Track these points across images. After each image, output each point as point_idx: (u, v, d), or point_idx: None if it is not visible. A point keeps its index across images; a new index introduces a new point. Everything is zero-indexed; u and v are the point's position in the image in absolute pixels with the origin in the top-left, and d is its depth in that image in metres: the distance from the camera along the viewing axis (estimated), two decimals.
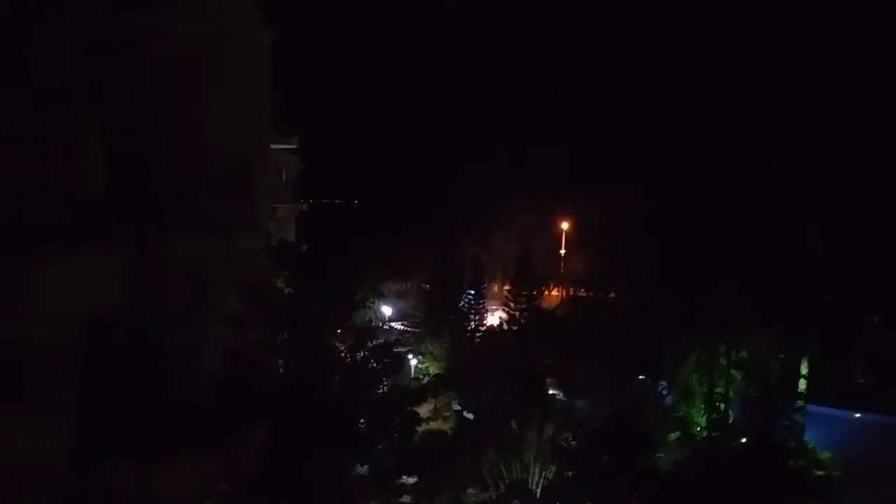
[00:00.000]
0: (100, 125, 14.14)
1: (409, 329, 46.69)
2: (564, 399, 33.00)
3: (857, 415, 38.23)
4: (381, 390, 16.76)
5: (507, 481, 24.13)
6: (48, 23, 12.59)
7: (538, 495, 22.67)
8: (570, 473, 21.27)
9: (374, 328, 18.00)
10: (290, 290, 16.99)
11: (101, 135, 14.18)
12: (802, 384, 33.46)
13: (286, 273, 17.18)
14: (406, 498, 16.41)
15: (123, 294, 11.83)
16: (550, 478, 23.49)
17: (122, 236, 13.23)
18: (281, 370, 16.65)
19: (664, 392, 34.82)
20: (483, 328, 44.72)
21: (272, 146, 28.38)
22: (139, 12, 15.50)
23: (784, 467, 21.99)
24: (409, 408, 16.49)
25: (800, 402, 32.01)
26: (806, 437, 31.70)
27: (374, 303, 19.42)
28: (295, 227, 36.53)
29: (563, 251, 62.69)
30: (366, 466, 16.14)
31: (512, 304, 43.58)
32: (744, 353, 34.07)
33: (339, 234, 18.27)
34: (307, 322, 16.16)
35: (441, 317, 43.46)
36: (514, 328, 41.70)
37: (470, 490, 22.83)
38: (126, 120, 15.15)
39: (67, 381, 10.81)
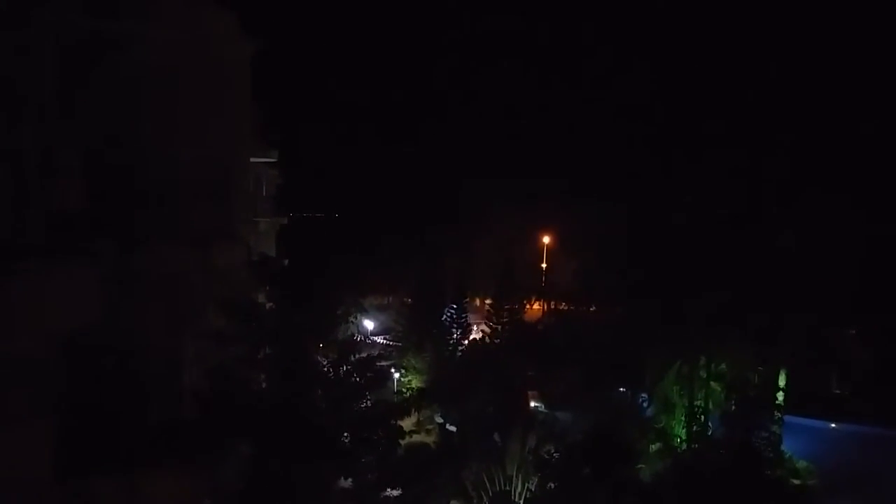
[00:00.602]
0: (76, 138, 14.06)
1: (391, 343, 46.62)
2: (546, 411, 33.11)
3: (833, 425, 38.94)
4: (364, 404, 16.72)
5: (490, 493, 24.14)
6: (20, 34, 12.51)
7: None
8: (553, 485, 21.30)
9: (356, 342, 17.94)
10: (271, 304, 16.94)
11: (77, 148, 14.09)
12: (780, 396, 33.93)
13: (267, 287, 17.13)
14: None
15: (103, 308, 11.73)
16: (533, 489, 23.54)
17: (100, 250, 13.11)
18: (263, 385, 16.54)
19: (645, 404, 35.06)
20: (465, 342, 44.80)
21: (252, 159, 28.35)
22: (113, 21, 15.37)
23: (762, 478, 22.22)
24: (392, 421, 16.47)
25: (777, 414, 32.43)
26: (783, 447, 32.11)
27: (356, 317, 19.41)
28: (276, 241, 36.42)
29: (544, 265, 63.08)
30: (350, 480, 16.06)
31: (494, 318, 43.74)
32: (723, 366, 34.47)
33: (319, 248, 18.25)
34: (289, 337, 16.11)
35: (423, 331, 43.47)
36: (497, 341, 41.82)
37: (454, 502, 22.82)
38: (102, 132, 15.04)
39: (48, 396, 10.69)
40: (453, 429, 31.33)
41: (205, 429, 13.96)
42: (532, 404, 33.92)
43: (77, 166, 14.08)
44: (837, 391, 41.91)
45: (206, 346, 15.42)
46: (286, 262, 19.39)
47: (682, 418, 33.10)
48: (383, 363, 18.44)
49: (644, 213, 39.29)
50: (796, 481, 29.41)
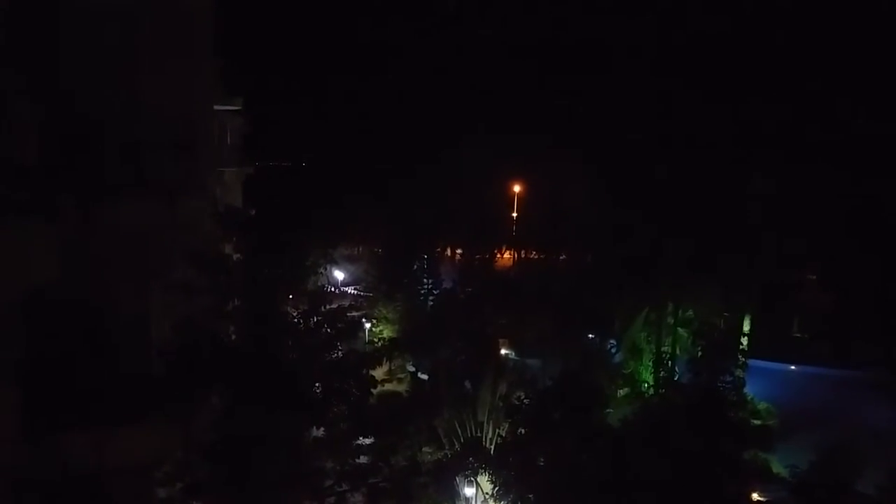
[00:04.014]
0: (30, 88, 13.38)
1: (362, 293, 46.66)
2: (517, 359, 33.63)
3: (792, 367, 40.53)
4: (336, 354, 16.71)
5: (461, 439, 24.62)
6: None
7: (492, 452, 23.19)
8: (523, 430, 21.75)
9: (326, 293, 17.80)
10: (239, 256, 16.67)
11: (32, 99, 13.42)
12: (744, 341, 34.90)
13: (234, 239, 16.82)
14: (363, 458, 16.53)
15: (65, 265, 11.38)
16: (504, 435, 24.04)
17: (60, 205, 12.66)
18: (233, 336, 16.40)
19: (613, 350, 35.83)
20: (436, 292, 45.00)
21: (216, 107, 27.44)
22: None
23: (725, 420, 22.99)
24: (364, 371, 16.52)
25: (741, 358, 33.41)
26: (745, 390, 33.23)
27: (326, 268, 19.20)
28: (242, 191, 35.74)
29: (514, 214, 63.17)
30: (322, 429, 16.17)
31: (465, 268, 43.93)
32: (690, 312, 35.27)
33: (287, 197, 17.90)
34: (258, 288, 15.91)
35: (394, 281, 43.52)
36: (468, 291, 42.05)
37: (426, 449, 23.20)
38: (58, 81, 14.33)
39: (11, 354, 10.43)
40: (425, 377, 31.71)
41: (174, 382, 13.86)
42: (503, 352, 34.40)
43: (32, 119, 13.41)
44: (798, 335, 43.43)
45: (173, 300, 15.15)
46: (253, 212, 19.02)
47: (650, 364, 33.97)
48: (354, 313, 18.37)
49: (613, 161, 39.31)
50: (757, 422, 30.62)
